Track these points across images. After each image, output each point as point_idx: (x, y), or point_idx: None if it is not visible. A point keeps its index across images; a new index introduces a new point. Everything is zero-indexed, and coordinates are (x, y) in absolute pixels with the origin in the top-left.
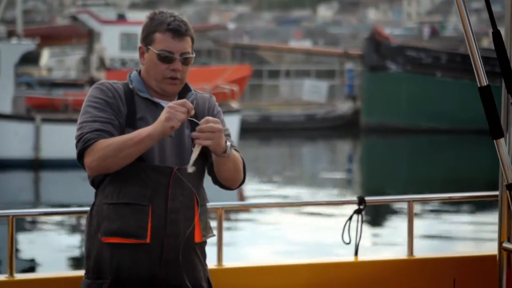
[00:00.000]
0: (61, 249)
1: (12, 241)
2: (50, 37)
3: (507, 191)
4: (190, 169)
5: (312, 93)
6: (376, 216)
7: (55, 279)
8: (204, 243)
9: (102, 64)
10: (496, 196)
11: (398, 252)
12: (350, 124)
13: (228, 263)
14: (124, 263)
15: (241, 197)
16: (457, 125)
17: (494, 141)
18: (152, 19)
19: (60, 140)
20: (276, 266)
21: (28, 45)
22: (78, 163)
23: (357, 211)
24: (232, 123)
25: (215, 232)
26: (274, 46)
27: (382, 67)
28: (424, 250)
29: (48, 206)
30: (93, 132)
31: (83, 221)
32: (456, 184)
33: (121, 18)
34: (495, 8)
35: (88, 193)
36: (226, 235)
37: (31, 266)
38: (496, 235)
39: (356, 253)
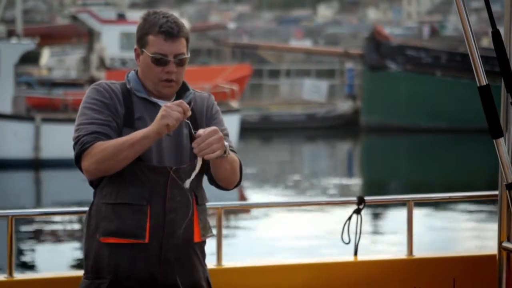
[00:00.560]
0: (61, 249)
1: (12, 241)
2: (50, 37)
3: (507, 191)
4: (188, 184)
5: (312, 92)
6: (375, 215)
7: (55, 279)
8: (203, 243)
9: (102, 63)
10: (495, 195)
11: (398, 252)
12: (350, 124)
13: (227, 263)
14: (123, 263)
15: (241, 197)
16: (457, 124)
17: (494, 140)
18: (145, 20)
19: (60, 140)
20: (276, 266)
21: (28, 44)
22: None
23: (357, 211)
24: (232, 123)
25: (214, 232)
26: (274, 46)
27: (382, 67)
28: (423, 250)
29: (48, 206)
30: (89, 134)
31: (82, 221)
32: (456, 183)
33: (121, 18)
34: (495, 8)
35: (87, 193)
36: (225, 235)
37: (30, 266)
38: (495, 235)
39: (355, 253)
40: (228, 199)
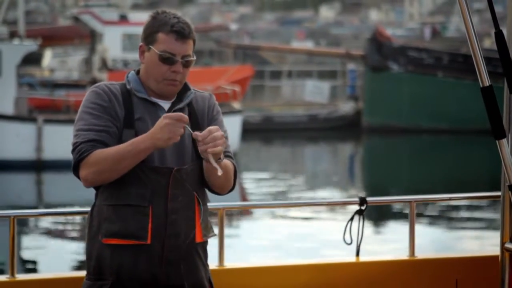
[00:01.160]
0: (63, 250)
1: (14, 242)
2: (52, 38)
3: (509, 192)
4: (220, 172)
5: (314, 93)
6: (377, 216)
7: (57, 279)
8: (205, 243)
9: (104, 64)
10: (498, 196)
11: (400, 253)
12: (352, 125)
13: (229, 263)
14: (125, 264)
15: (243, 198)
16: (459, 125)
17: (497, 141)
18: (155, 18)
19: (62, 141)
20: (278, 267)
21: (30, 45)
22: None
23: (359, 212)
24: (234, 124)
25: (216, 232)
26: (276, 47)
27: (384, 68)
28: (425, 250)
29: (50, 207)
30: (87, 142)
31: (85, 222)
32: (458, 184)
33: (123, 19)
34: (497, 9)
35: (89, 194)
36: (227, 235)
37: (32, 267)
38: (498, 235)
39: (357, 254)
40: (229, 200)
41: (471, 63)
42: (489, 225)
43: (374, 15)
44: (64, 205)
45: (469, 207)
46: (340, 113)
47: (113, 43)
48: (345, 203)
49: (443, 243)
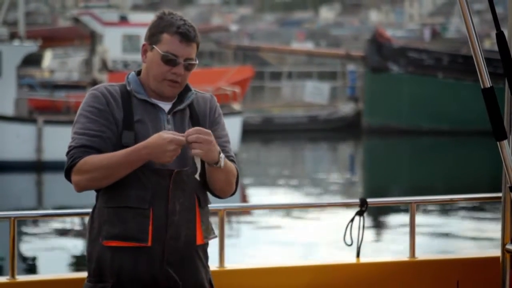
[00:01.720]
0: (63, 251)
1: (14, 243)
2: (52, 39)
3: (510, 193)
4: (197, 175)
5: (314, 94)
6: (378, 217)
7: (57, 280)
8: (206, 245)
9: (104, 66)
10: (498, 198)
11: (400, 254)
12: (352, 126)
13: (229, 264)
14: (126, 266)
15: (243, 199)
16: (459, 126)
17: (498, 143)
18: (161, 18)
19: (62, 142)
20: (278, 268)
21: (30, 46)
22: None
23: (359, 213)
24: (234, 125)
25: (216, 233)
26: (276, 48)
27: (384, 69)
28: (426, 252)
29: (50, 208)
30: (79, 148)
31: (85, 222)
32: (458, 185)
33: (123, 20)
34: (497, 10)
35: (89, 195)
36: (227, 236)
37: (32, 268)
38: (498, 236)
39: (358, 255)
40: (230, 201)
41: (471, 64)
42: (489, 226)
43: (374, 16)
44: (64, 206)
45: (470, 208)
46: (340, 114)
47: (113, 44)
48: (345, 205)
49: (443, 245)
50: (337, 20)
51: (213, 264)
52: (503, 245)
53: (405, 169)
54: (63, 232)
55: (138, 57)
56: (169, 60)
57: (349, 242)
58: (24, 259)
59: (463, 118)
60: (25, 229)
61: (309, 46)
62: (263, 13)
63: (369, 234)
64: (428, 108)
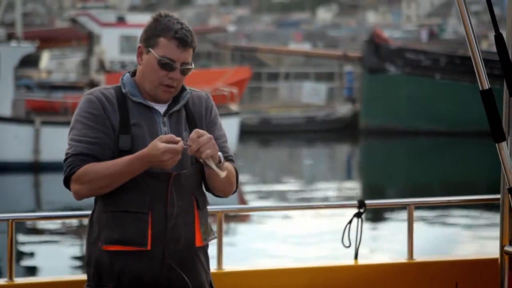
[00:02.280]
0: (61, 253)
1: (12, 245)
2: (50, 40)
3: (509, 195)
4: (222, 174)
5: (311, 95)
6: (375, 219)
7: (55, 283)
8: (206, 247)
9: (102, 66)
10: (496, 199)
11: (398, 256)
12: (349, 127)
13: (228, 266)
14: (125, 271)
15: (241, 201)
16: (456, 127)
17: (496, 144)
18: (157, 21)
19: (60, 143)
20: (276, 270)
21: (28, 47)
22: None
23: (357, 215)
24: (232, 126)
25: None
26: (274, 49)
27: (381, 70)
28: (424, 253)
29: (48, 209)
30: (77, 156)
31: (83, 224)
32: (455, 186)
33: (120, 21)
34: (495, 11)
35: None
36: (225, 238)
37: (31, 270)
38: (496, 238)
39: (356, 257)
40: (228, 203)
41: (469, 65)
42: (487, 227)
43: (372, 17)
44: (62, 207)
45: (467, 210)
46: (338, 115)
47: (110, 45)
48: (343, 206)
49: (441, 246)
50: (335, 21)
51: (211, 266)
52: (502, 247)
53: (403, 170)
54: (61, 234)
55: (135, 58)
56: (165, 65)
57: (347, 244)
58: (22, 261)
59: (460, 119)
60: (23, 231)
61: (306, 47)
62: (260, 14)
63: (367, 236)
64: (426, 109)
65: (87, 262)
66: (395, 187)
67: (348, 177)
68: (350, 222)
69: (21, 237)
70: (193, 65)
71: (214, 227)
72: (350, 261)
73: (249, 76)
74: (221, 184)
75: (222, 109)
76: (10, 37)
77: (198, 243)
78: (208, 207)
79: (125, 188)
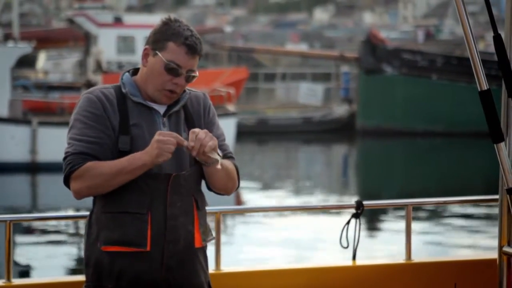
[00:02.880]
0: (59, 254)
1: (10, 246)
2: (47, 40)
3: (507, 195)
4: (219, 166)
5: (308, 96)
6: (373, 219)
7: (53, 284)
8: (205, 247)
9: (99, 67)
10: (495, 200)
11: (396, 257)
12: (346, 127)
13: (226, 267)
14: (124, 271)
15: (238, 201)
16: (453, 127)
17: (495, 145)
18: (167, 25)
19: (57, 143)
20: (274, 271)
21: (25, 48)
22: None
23: (355, 215)
24: (229, 126)
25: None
26: (270, 49)
27: (378, 70)
28: (421, 254)
29: (45, 210)
30: (78, 154)
31: (81, 225)
32: (452, 187)
33: (118, 21)
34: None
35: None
36: (223, 239)
37: (28, 271)
38: (494, 239)
39: (354, 257)
40: (225, 203)
41: (465, 66)
42: (485, 228)
43: (368, 18)
44: (59, 208)
45: (465, 210)
46: (334, 115)
47: (107, 46)
48: (341, 207)
49: (439, 247)
50: (331, 22)
51: (209, 266)
52: (500, 247)
53: (400, 171)
54: (59, 235)
55: (132, 58)
56: (171, 69)
57: (345, 244)
58: (19, 262)
59: (457, 120)
60: (21, 232)
61: (303, 47)
62: (257, 14)
63: (365, 237)
64: (422, 109)
65: (86, 262)
66: (392, 188)
67: (345, 177)
68: (348, 222)
69: (19, 238)
70: (197, 73)
71: (212, 228)
72: (348, 262)
73: (246, 76)
74: (223, 181)
75: (219, 110)
76: (7, 37)
77: (197, 244)
78: (206, 207)
79: (124, 189)
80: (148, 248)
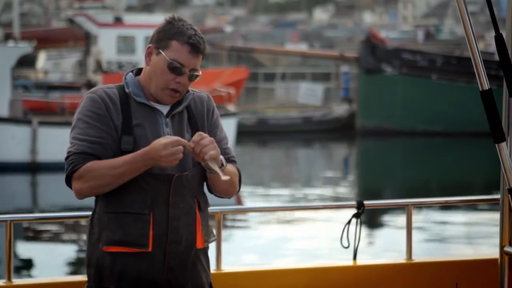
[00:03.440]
0: (59, 254)
1: (10, 246)
2: (47, 40)
3: (509, 195)
4: (224, 177)
5: (308, 96)
6: (373, 219)
7: (53, 284)
8: (206, 248)
9: (99, 67)
10: (496, 200)
11: (397, 256)
12: (346, 127)
13: (226, 267)
14: (127, 272)
15: (239, 201)
16: (453, 127)
17: (496, 145)
18: (171, 24)
19: (57, 143)
20: (275, 271)
21: (25, 47)
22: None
23: (356, 215)
24: (229, 126)
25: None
26: (270, 49)
27: (378, 70)
28: (422, 254)
29: (45, 209)
30: (79, 154)
31: (81, 225)
32: (452, 186)
33: (118, 21)
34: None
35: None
36: (223, 239)
37: (29, 271)
38: (495, 239)
39: (354, 257)
40: (225, 204)
41: (465, 66)
42: (485, 228)
43: (368, 18)
44: (60, 207)
45: (466, 210)
46: (334, 115)
47: (107, 45)
48: (342, 207)
49: (439, 247)
50: (331, 22)
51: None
52: (501, 247)
53: (399, 171)
54: (59, 235)
55: (132, 58)
56: (175, 68)
57: (346, 244)
58: (20, 262)
59: (457, 120)
60: (21, 232)
61: (303, 47)
62: (257, 14)
63: (365, 236)
64: (422, 109)
65: (87, 263)
66: (392, 187)
67: (345, 177)
68: (349, 222)
69: (19, 238)
70: (200, 72)
71: (213, 228)
72: (349, 262)
73: (246, 76)
74: (224, 186)
75: (220, 110)
76: (7, 37)
77: (199, 245)
78: (208, 208)
79: (126, 189)
80: (150, 249)
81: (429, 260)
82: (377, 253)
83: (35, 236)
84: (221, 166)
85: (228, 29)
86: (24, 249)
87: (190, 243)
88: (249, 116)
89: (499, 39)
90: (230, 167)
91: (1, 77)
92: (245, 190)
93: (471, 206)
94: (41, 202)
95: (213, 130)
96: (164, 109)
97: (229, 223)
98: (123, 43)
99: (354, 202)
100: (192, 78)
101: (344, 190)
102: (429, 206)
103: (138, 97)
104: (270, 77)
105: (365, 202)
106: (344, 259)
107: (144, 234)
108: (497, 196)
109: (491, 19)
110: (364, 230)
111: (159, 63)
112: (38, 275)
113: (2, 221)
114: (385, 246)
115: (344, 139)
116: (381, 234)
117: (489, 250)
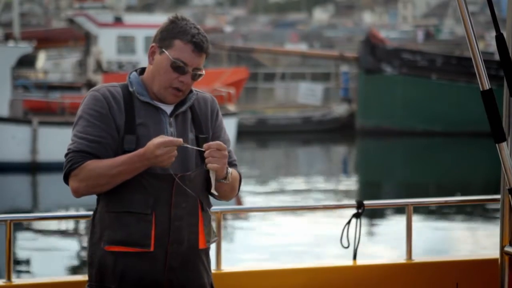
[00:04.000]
0: (59, 254)
1: (10, 246)
2: (47, 40)
3: (509, 195)
4: (213, 190)
5: (307, 95)
6: (373, 219)
7: (54, 284)
8: (208, 248)
9: (99, 67)
10: (496, 200)
11: (397, 256)
12: (345, 127)
13: (226, 267)
14: (128, 271)
15: (239, 201)
16: (453, 127)
17: (497, 145)
18: (174, 23)
19: (57, 143)
20: (275, 271)
21: (25, 47)
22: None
23: (356, 215)
24: (229, 126)
25: None
26: (270, 49)
27: (378, 70)
28: (422, 254)
29: (46, 209)
30: (78, 153)
31: (82, 225)
32: (452, 186)
33: (118, 21)
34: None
35: (85, 197)
36: (223, 239)
37: (28, 271)
38: (495, 239)
39: (354, 257)
40: (225, 204)
41: (465, 66)
42: (485, 228)
43: (368, 18)
44: (60, 207)
45: (466, 210)
46: (334, 115)
47: (107, 45)
48: (342, 207)
49: (439, 247)
50: (331, 22)
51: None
52: (502, 247)
53: (399, 171)
54: (59, 235)
55: (133, 58)
56: (178, 67)
57: (346, 244)
58: (20, 262)
59: (456, 120)
60: (21, 231)
61: (302, 47)
62: (256, 14)
63: (365, 236)
64: (422, 109)
65: (89, 262)
66: (391, 187)
67: (345, 177)
68: (348, 222)
69: (19, 238)
70: (203, 71)
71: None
72: (349, 262)
73: (246, 76)
74: (226, 192)
75: (220, 110)
76: (8, 37)
77: (201, 245)
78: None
79: (128, 189)
80: (151, 249)
81: (429, 260)
82: (377, 253)
83: (35, 236)
84: (224, 178)
85: (228, 29)
86: (24, 249)
87: (192, 244)
88: (248, 116)
89: (499, 39)
90: (233, 172)
91: (1, 77)
92: (245, 190)
93: (471, 206)
94: (41, 202)
95: (217, 132)
96: (168, 109)
97: (229, 223)
98: (123, 43)
99: (354, 202)
100: (195, 77)
101: (343, 190)
102: (429, 206)
103: (142, 96)
104: (269, 77)
105: (365, 202)
106: (344, 259)
107: (146, 234)
108: (497, 196)
109: (491, 19)
110: (364, 230)
111: (162, 62)
112: (38, 275)
113: (2, 221)
114: (385, 246)
115: (343, 139)
116: (381, 234)
117: (489, 250)
